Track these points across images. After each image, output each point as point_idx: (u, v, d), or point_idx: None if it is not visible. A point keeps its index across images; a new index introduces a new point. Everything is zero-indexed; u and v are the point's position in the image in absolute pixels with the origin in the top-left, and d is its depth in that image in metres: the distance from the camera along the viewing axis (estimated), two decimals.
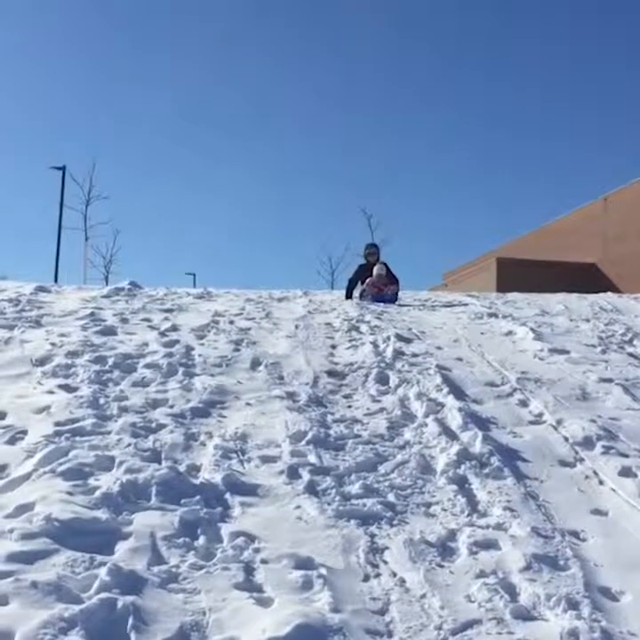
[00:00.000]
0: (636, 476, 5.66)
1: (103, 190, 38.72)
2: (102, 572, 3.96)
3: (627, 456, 6.04)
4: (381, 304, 13.00)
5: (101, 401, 6.71)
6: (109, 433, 5.99)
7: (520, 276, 29.03)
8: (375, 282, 13.88)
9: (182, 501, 4.91)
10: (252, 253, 73.72)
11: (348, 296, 14.02)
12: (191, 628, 3.67)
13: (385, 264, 14.31)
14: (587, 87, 78.19)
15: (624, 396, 7.56)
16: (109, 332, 9.24)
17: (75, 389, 6.99)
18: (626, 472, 5.73)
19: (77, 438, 5.82)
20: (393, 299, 13.67)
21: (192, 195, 74.11)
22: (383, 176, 74.76)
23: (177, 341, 8.88)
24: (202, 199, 74.75)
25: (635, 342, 10.16)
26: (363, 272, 14.43)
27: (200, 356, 8.40)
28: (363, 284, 14.19)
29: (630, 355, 9.41)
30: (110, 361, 7.92)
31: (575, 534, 4.86)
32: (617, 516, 5.13)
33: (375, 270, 14.03)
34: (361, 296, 13.89)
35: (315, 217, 74.54)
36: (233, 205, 76.31)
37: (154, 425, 6.24)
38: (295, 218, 75.15)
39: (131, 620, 3.64)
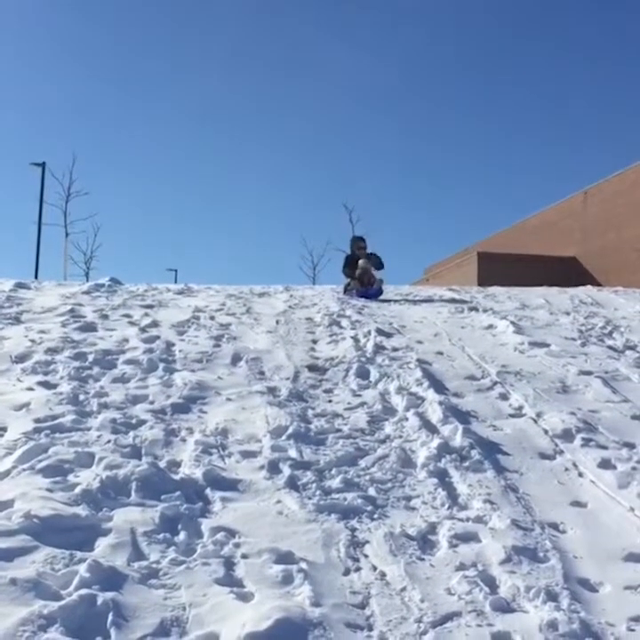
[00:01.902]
0: (614, 468, 5.69)
1: (83, 186, 38.46)
2: (82, 569, 3.94)
3: (606, 448, 6.07)
4: (363, 299, 12.94)
5: (81, 397, 6.69)
6: (89, 429, 5.97)
7: (501, 270, 29.12)
8: (361, 276, 13.67)
9: (162, 497, 4.90)
10: (233, 249, 73.81)
11: (347, 290, 13.80)
12: (171, 624, 3.67)
13: (373, 254, 14.10)
14: (567, 82, 78.52)
15: (603, 388, 7.60)
16: (89, 328, 9.21)
17: (54, 386, 6.96)
18: (605, 464, 5.76)
19: (57, 435, 5.80)
20: (378, 293, 13.52)
21: (173, 191, 74.04)
22: (365, 170, 74.93)
23: (157, 337, 8.86)
24: (183, 196, 74.73)
25: (614, 335, 10.20)
26: (351, 263, 14.14)
27: (180, 351, 8.38)
28: (351, 271, 13.96)
29: (610, 347, 9.45)
30: (90, 357, 7.89)
31: (554, 526, 4.88)
32: (596, 508, 5.15)
33: (360, 263, 13.82)
34: (345, 290, 13.77)
35: (296, 212, 74.65)
36: (215, 202, 76.23)
37: (134, 421, 6.22)
38: (277, 213, 75.25)
39: (110, 617, 3.63)
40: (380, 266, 13.98)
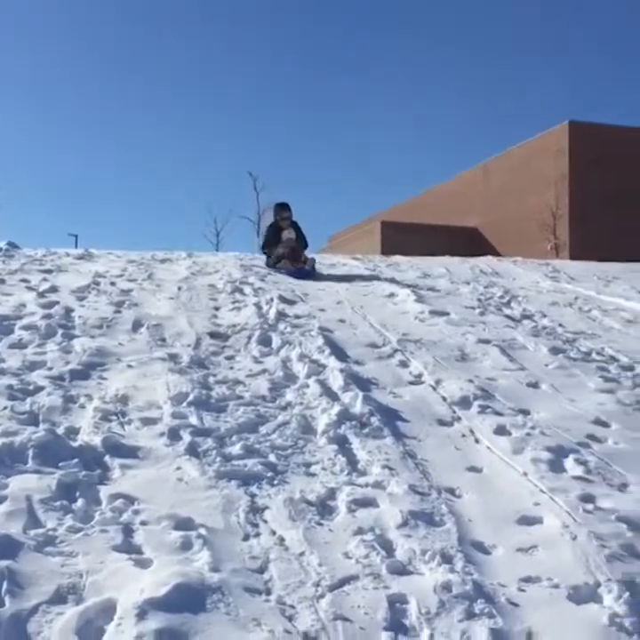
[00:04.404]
0: (510, 434, 5.82)
1: None
2: None
3: (502, 415, 6.20)
4: (292, 279, 11.68)
5: None
6: None
7: (403, 239, 29.42)
8: (288, 253, 12.30)
9: (60, 464, 4.83)
10: (136, 215, 72.85)
11: (270, 264, 12.53)
12: (68, 591, 3.63)
13: (296, 224, 12.84)
14: (467, 54, 79.28)
15: (501, 356, 7.75)
16: None
17: None
18: (501, 430, 5.88)
19: None
20: (311, 273, 12.10)
21: (74, 155, 72.62)
22: (267, 138, 74.60)
23: (56, 303, 8.71)
24: (84, 160, 73.35)
25: (512, 304, 10.43)
26: (275, 235, 12.76)
27: (80, 317, 8.25)
28: (276, 247, 12.56)
29: (507, 317, 9.66)
30: None
31: (451, 491, 4.97)
32: (491, 473, 5.27)
33: (284, 234, 12.53)
34: (275, 265, 12.44)
35: (200, 178, 74.00)
36: (117, 167, 75.04)
37: (31, 387, 6.11)
38: (180, 179, 74.44)
39: (5, 585, 3.58)
40: (305, 245, 12.76)
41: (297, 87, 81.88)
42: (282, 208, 13.02)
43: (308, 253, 12.82)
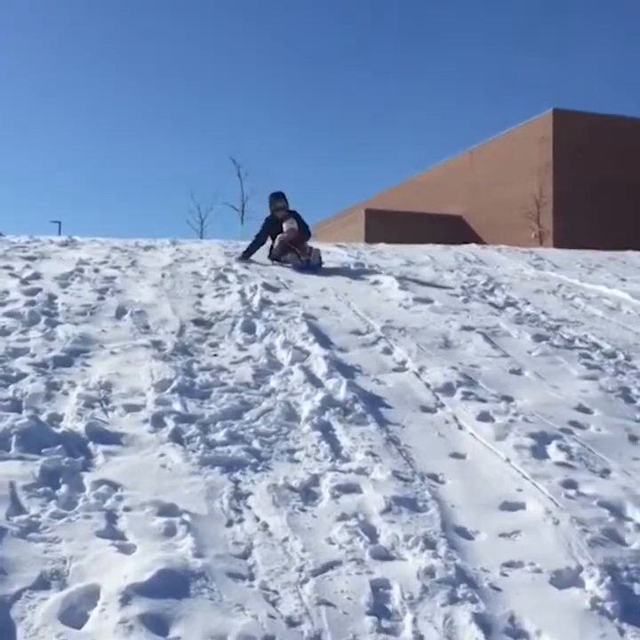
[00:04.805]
0: (493, 420, 5.84)
1: None
2: None
3: (485, 401, 6.22)
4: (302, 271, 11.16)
5: None
6: None
7: (388, 227, 29.44)
8: (289, 238, 11.61)
9: (43, 451, 4.82)
10: (120, 202, 72.63)
11: (247, 256, 11.84)
12: (51, 577, 3.63)
13: (295, 212, 12.09)
14: (452, 42, 79.20)
15: (484, 343, 7.78)
16: None
17: None
18: (484, 417, 5.90)
19: None
20: (320, 265, 11.43)
21: (57, 142, 72.29)
22: (253, 125, 74.44)
23: (39, 289, 8.68)
24: (68, 146, 73.02)
25: (495, 292, 10.46)
26: (272, 227, 11.99)
27: (63, 304, 8.23)
28: (274, 240, 11.87)
29: (491, 304, 9.69)
30: None
31: (434, 477, 4.99)
32: (474, 459, 5.29)
33: (285, 225, 11.74)
34: (279, 258, 11.79)
35: (184, 165, 73.85)
36: (100, 153, 74.75)
37: (14, 374, 6.09)
38: (164, 167, 74.24)
39: None
40: (308, 234, 12.11)
41: (281, 74, 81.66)
42: (276, 198, 12.24)
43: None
